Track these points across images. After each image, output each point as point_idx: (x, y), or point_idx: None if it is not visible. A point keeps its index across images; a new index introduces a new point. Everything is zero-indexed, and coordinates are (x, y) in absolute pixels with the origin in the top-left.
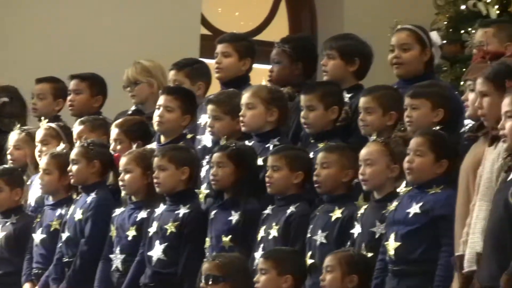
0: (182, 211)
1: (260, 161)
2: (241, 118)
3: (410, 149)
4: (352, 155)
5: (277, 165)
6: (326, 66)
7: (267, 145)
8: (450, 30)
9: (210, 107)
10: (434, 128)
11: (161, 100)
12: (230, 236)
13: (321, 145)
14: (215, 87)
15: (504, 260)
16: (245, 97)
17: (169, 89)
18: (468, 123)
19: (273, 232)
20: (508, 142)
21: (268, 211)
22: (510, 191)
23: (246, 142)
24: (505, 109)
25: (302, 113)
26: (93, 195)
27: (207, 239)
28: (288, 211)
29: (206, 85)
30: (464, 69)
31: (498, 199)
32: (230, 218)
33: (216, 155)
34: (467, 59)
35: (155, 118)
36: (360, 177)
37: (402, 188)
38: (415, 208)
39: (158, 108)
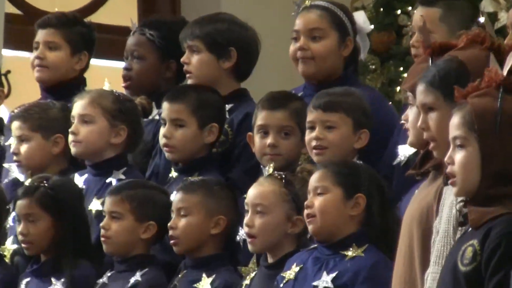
0: None
1: (97, 204)
2: (71, 137)
3: (309, 191)
4: (226, 195)
5: (117, 211)
6: (188, 64)
7: (108, 180)
8: (381, 10)
9: (14, 124)
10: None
11: None
12: None
13: None
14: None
15: None
16: (80, 105)
17: None
18: (404, 153)
19: None
20: (458, 185)
21: (104, 279)
22: (460, 252)
23: (76, 176)
24: (453, 133)
25: (163, 130)
26: None
27: None
28: (132, 279)
29: (4, 92)
30: (401, 68)
31: (447, 263)
32: None
33: (20, 204)
34: (405, 54)
35: None
36: (246, 229)
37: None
38: (325, 281)
39: None
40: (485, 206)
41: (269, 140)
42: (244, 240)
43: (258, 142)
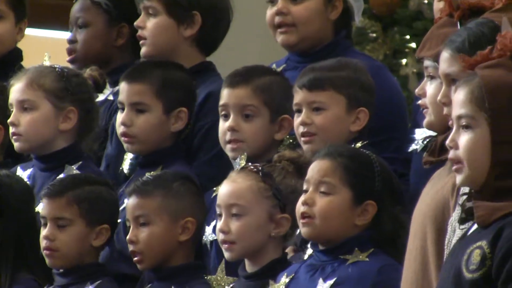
0: None
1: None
2: (11, 129)
3: (308, 181)
4: (189, 190)
5: (65, 217)
6: (142, 29)
7: (59, 177)
8: None
9: None
10: (354, 145)
11: None
12: None
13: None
14: None
15: None
16: (17, 90)
17: None
18: (422, 137)
19: None
20: (464, 173)
21: None
22: (465, 256)
23: (19, 171)
24: (458, 111)
25: (121, 117)
26: None
27: None
28: None
29: None
30: (407, 36)
31: (447, 269)
32: None
33: None
34: (412, 19)
35: None
36: (220, 236)
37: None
38: None
39: None
40: (494, 200)
41: (228, 123)
42: (212, 242)
43: (220, 126)
